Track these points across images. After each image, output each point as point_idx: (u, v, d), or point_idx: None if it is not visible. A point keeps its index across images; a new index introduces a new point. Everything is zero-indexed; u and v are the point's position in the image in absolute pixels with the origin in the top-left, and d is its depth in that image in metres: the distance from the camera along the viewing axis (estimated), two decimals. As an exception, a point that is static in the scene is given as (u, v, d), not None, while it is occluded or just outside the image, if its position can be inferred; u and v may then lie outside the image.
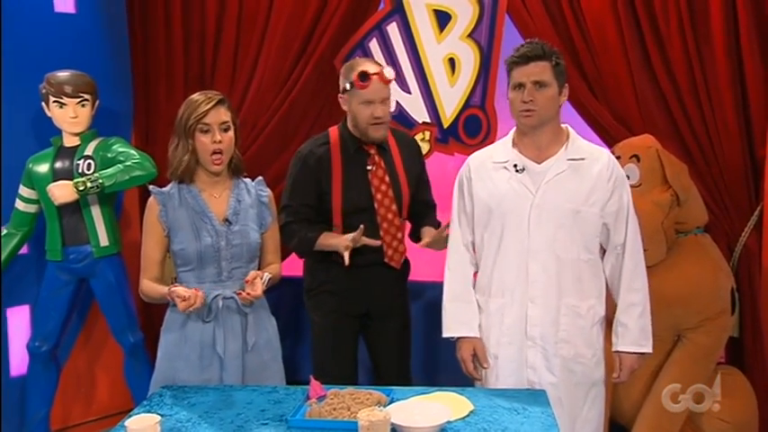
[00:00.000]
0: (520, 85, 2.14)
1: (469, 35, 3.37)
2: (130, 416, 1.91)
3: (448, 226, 2.38)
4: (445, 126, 3.42)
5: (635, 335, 2.18)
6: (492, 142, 3.35)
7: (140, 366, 3.26)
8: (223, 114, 2.15)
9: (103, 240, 3.12)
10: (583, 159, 2.17)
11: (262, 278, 2.13)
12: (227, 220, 2.20)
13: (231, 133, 2.18)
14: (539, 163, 2.17)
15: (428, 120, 3.49)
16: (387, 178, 2.56)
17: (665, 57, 3.07)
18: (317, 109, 3.52)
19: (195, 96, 2.18)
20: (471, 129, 3.39)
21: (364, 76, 2.46)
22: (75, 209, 3.06)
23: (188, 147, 2.15)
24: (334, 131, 2.63)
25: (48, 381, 3.22)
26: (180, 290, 2.04)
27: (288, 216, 2.58)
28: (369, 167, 2.57)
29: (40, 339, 3.17)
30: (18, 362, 3.39)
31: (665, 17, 3.03)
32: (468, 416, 1.83)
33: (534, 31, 3.19)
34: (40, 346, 3.16)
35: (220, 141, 2.14)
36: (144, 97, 3.75)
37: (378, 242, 2.50)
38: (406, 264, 2.72)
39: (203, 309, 2.11)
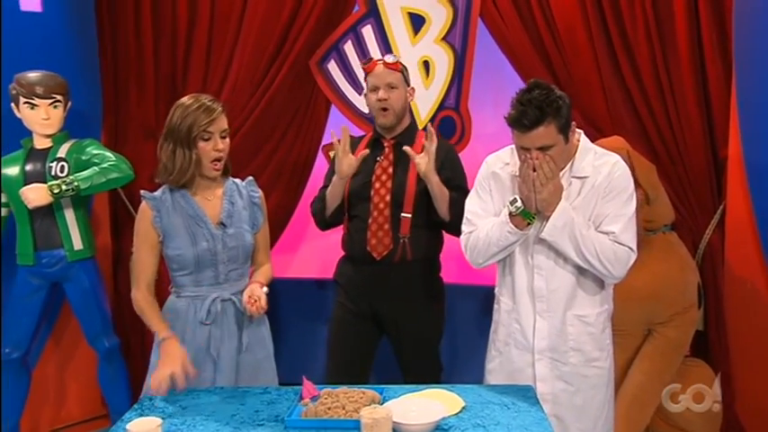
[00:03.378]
0: (524, 148, 2.04)
1: (443, 38, 3.42)
2: (123, 420, 1.91)
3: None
4: (420, 127, 3.44)
5: (559, 219, 2.03)
6: (466, 144, 3.45)
7: (115, 371, 3.23)
8: (224, 122, 2.15)
9: (77, 244, 3.07)
10: (586, 177, 2.11)
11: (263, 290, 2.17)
12: (221, 223, 2.20)
13: (228, 139, 2.19)
14: None
15: (403, 121, 3.52)
16: (390, 170, 2.61)
17: (632, 61, 3.18)
18: (292, 110, 3.53)
19: (192, 103, 2.13)
20: (446, 130, 3.42)
21: (369, 59, 2.69)
22: (48, 212, 3.01)
23: (190, 156, 2.12)
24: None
25: (18, 388, 3.15)
26: (160, 378, 2.02)
27: (318, 194, 2.79)
28: (378, 159, 2.65)
29: (10, 346, 3.10)
30: (-12, 368, 3.34)
31: (632, 23, 3.14)
32: (460, 412, 1.87)
33: (507, 35, 3.28)
34: (10, 353, 3.10)
35: (222, 149, 2.16)
36: (113, 98, 3.70)
37: (365, 151, 2.61)
38: (424, 266, 2.72)
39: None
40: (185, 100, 2.17)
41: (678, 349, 3.01)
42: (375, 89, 2.62)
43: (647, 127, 3.19)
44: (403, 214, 2.62)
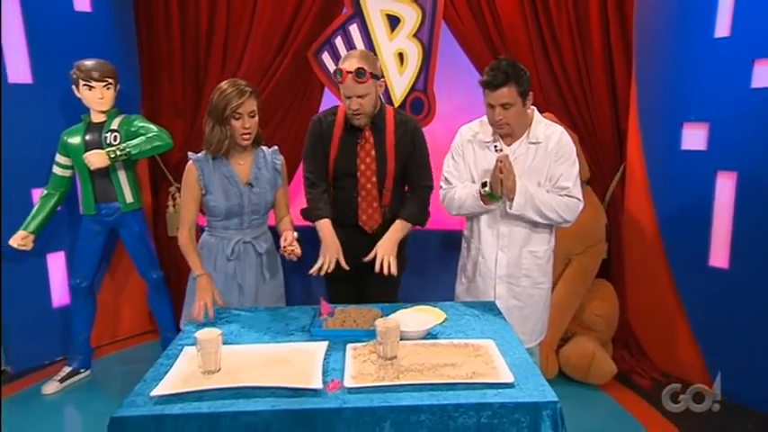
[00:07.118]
0: (491, 105, 2.04)
1: (414, 35, 3.36)
2: (185, 331, 1.89)
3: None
4: (396, 106, 3.41)
5: (526, 194, 2.07)
6: (432, 119, 3.42)
7: (162, 298, 3.18)
8: (252, 104, 2.07)
9: (129, 198, 2.98)
10: (539, 143, 2.11)
11: (294, 235, 2.13)
12: (249, 183, 2.17)
13: (257, 118, 2.12)
14: (509, 145, 2.14)
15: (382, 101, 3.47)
16: (372, 152, 2.31)
17: (559, 53, 3.18)
18: (293, 93, 3.45)
19: (227, 87, 2.05)
20: (416, 108, 3.40)
21: (339, 73, 2.20)
22: (105, 173, 2.90)
23: (225, 132, 2.07)
24: (342, 106, 2.35)
25: (87, 309, 3.09)
26: (198, 308, 1.98)
27: (305, 179, 2.37)
28: (358, 141, 2.33)
29: (79, 277, 3.02)
30: (58, 295, 3.28)
31: (559, 24, 3.14)
32: (443, 322, 1.89)
33: (464, 32, 3.24)
34: (80, 283, 3.02)
35: (249, 127, 2.09)
36: (149, 83, 3.55)
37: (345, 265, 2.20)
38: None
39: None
40: (223, 84, 2.08)
41: (590, 272, 3.10)
42: (348, 98, 2.22)
43: (569, 105, 3.22)
44: (385, 189, 2.36)
